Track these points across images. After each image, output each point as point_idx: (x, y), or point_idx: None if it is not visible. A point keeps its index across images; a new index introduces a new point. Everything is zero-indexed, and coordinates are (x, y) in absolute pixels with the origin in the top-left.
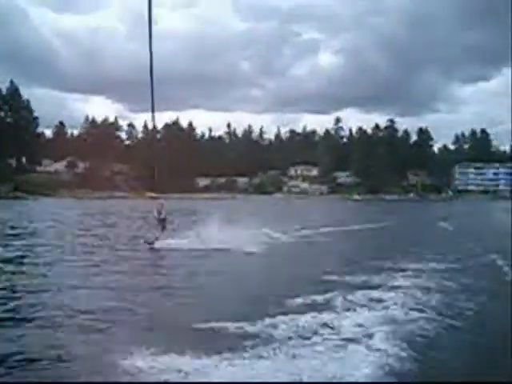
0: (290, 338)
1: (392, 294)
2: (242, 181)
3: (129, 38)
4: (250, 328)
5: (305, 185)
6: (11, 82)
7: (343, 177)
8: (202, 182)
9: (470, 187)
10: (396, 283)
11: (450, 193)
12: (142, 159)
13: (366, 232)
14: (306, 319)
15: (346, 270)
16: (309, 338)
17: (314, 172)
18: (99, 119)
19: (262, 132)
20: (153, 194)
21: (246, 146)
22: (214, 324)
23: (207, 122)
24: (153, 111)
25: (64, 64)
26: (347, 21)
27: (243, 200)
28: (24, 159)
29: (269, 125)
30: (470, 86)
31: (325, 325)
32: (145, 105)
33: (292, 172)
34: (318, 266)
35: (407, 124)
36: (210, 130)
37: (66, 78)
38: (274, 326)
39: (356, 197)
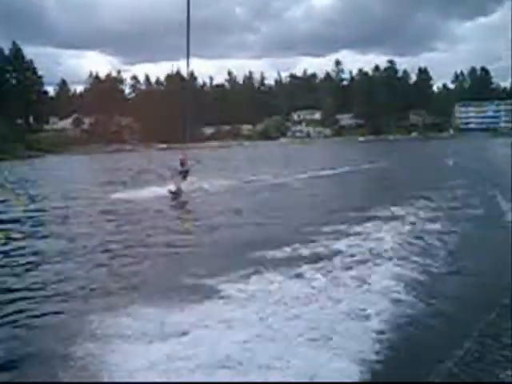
0: None
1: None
2: (246, 127)
3: None
4: None
5: (308, 128)
6: (13, 42)
7: (346, 119)
8: (208, 130)
9: (471, 125)
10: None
11: (452, 131)
12: (147, 111)
13: (374, 170)
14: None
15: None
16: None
17: (317, 115)
18: (96, 74)
19: (263, 78)
20: (164, 145)
21: (247, 93)
22: None
23: (202, 70)
24: (188, 57)
25: (55, 19)
26: None
27: (251, 146)
28: (31, 119)
29: (265, 70)
30: (468, 23)
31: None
32: (139, 57)
33: (295, 117)
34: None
35: (405, 64)
36: (211, 79)
37: (57, 34)
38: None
39: (360, 138)
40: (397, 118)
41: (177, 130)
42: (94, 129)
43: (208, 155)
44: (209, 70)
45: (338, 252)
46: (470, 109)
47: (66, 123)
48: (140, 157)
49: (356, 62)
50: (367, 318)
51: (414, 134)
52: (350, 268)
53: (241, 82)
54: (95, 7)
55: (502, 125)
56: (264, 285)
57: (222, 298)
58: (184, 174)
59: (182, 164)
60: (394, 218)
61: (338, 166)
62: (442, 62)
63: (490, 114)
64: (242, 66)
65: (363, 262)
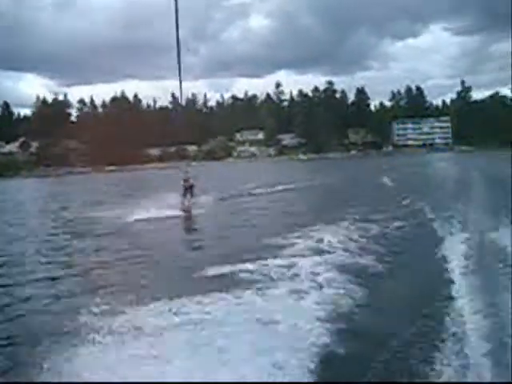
0: None
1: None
2: (191, 148)
3: (56, 10)
4: None
5: (253, 149)
6: None
7: (288, 139)
8: (154, 152)
9: (409, 142)
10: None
11: (390, 148)
12: (95, 134)
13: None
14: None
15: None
16: None
17: (260, 136)
18: (44, 98)
19: (206, 100)
20: (112, 168)
21: (191, 114)
22: None
23: (142, 91)
24: (180, 82)
25: None
26: None
27: (200, 166)
28: None
29: (203, 91)
30: (400, 43)
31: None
32: (76, 78)
33: (238, 137)
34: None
35: (342, 83)
36: (155, 101)
37: None
38: None
39: (302, 157)
40: (337, 137)
41: (124, 152)
42: (42, 152)
43: (160, 175)
44: (148, 91)
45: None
46: (406, 126)
47: (13, 147)
48: (94, 180)
49: (294, 82)
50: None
51: (353, 152)
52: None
53: (183, 103)
54: (29, 29)
55: (437, 141)
56: None
57: None
58: (190, 190)
59: (186, 181)
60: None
61: (282, 183)
62: (377, 81)
63: (426, 130)
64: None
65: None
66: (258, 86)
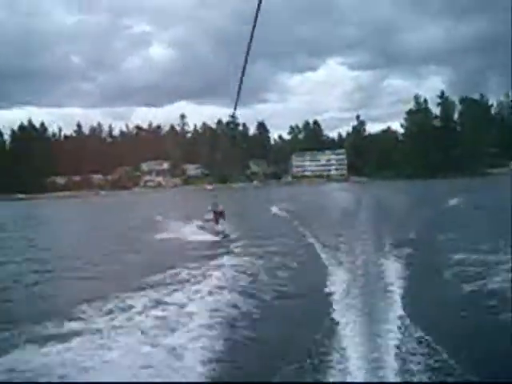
0: None
1: None
2: (97, 177)
3: None
4: None
5: (159, 178)
6: None
7: (193, 169)
8: (60, 180)
9: (306, 173)
10: None
11: (290, 178)
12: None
13: None
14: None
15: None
16: None
17: (165, 165)
18: None
19: (111, 129)
20: (22, 196)
21: (95, 144)
22: None
23: (40, 118)
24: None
25: None
26: (179, 13)
27: (108, 196)
28: None
29: (101, 119)
30: (298, 76)
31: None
32: None
33: (144, 167)
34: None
35: (241, 115)
36: (60, 130)
37: None
38: None
39: (208, 186)
40: (240, 168)
41: (33, 180)
42: None
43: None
44: (46, 118)
45: None
46: (305, 158)
47: None
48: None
49: (194, 112)
50: None
51: (255, 182)
52: None
53: (87, 132)
54: None
55: (333, 172)
56: None
57: None
58: (219, 216)
59: (215, 205)
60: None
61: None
62: (276, 114)
63: (323, 162)
64: (78, 115)
65: None
66: (157, 115)
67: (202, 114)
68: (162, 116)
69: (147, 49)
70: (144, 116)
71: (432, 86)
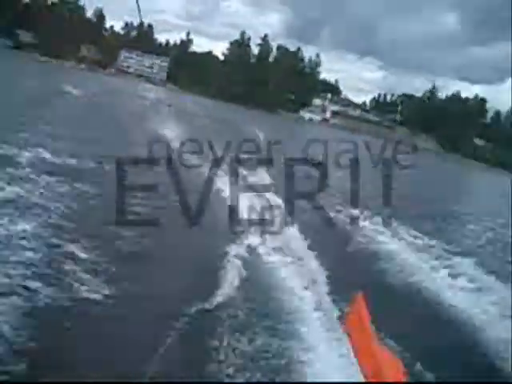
0: None
1: None
2: None
3: None
4: None
5: None
6: None
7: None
8: None
9: (130, 70)
10: None
11: (113, 71)
12: None
13: None
14: None
15: None
16: None
17: None
18: None
19: None
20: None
21: None
22: None
23: None
24: None
25: None
26: None
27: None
28: None
29: None
30: None
31: None
32: None
33: None
34: None
35: None
36: None
37: None
38: None
39: (41, 59)
40: (72, 50)
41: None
42: None
43: None
44: None
45: None
46: (132, 56)
47: None
48: None
49: None
50: None
51: (82, 66)
52: None
53: None
54: None
55: (153, 76)
56: None
57: None
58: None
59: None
60: None
61: None
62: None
63: (147, 64)
64: None
65: None
66: None
67: None
68: None
69: None
70: None
71: (270, 23)
